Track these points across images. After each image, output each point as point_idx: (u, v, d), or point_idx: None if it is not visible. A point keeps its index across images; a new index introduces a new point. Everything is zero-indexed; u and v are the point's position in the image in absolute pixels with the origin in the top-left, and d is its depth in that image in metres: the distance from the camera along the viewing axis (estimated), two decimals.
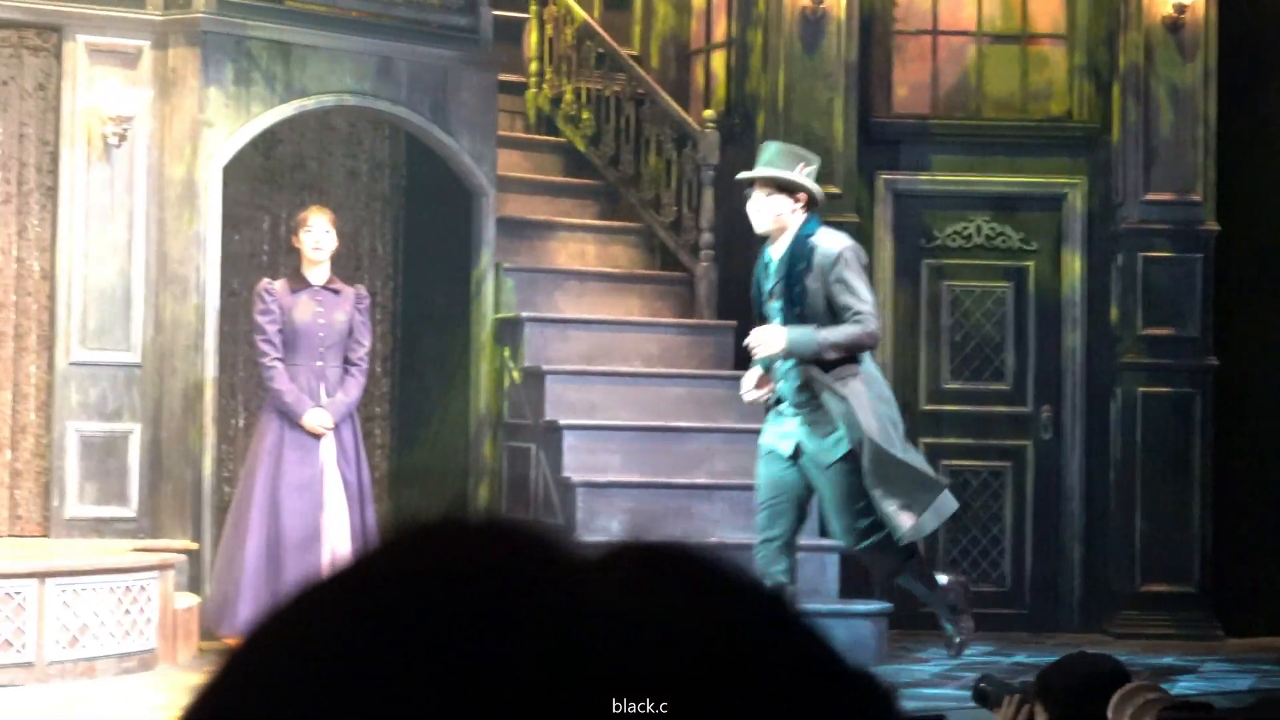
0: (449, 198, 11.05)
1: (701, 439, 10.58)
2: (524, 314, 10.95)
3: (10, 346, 10.16)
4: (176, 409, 10.18)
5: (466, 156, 10.86)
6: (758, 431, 8.40)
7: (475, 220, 10.99)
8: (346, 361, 9.79)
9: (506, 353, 10.91)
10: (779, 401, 8.13)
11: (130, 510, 10.17)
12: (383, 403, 11.25)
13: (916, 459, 8.30)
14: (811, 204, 8.16)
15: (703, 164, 11.19)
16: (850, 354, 8.06)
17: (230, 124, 10.19)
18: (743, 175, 8.30)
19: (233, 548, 9.58)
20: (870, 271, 8.80)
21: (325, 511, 9.58)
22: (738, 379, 8.67)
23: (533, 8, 12.40)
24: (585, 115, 12.04)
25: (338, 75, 10.47)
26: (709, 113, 11.36)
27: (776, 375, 8.12)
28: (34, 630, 8.49)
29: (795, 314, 8.05)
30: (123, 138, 10.05)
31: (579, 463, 10.38)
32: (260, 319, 9.65)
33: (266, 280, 9.88)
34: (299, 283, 9.74)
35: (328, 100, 10.48)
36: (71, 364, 10.13)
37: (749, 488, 8.66)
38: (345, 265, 10.50)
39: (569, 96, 12.16)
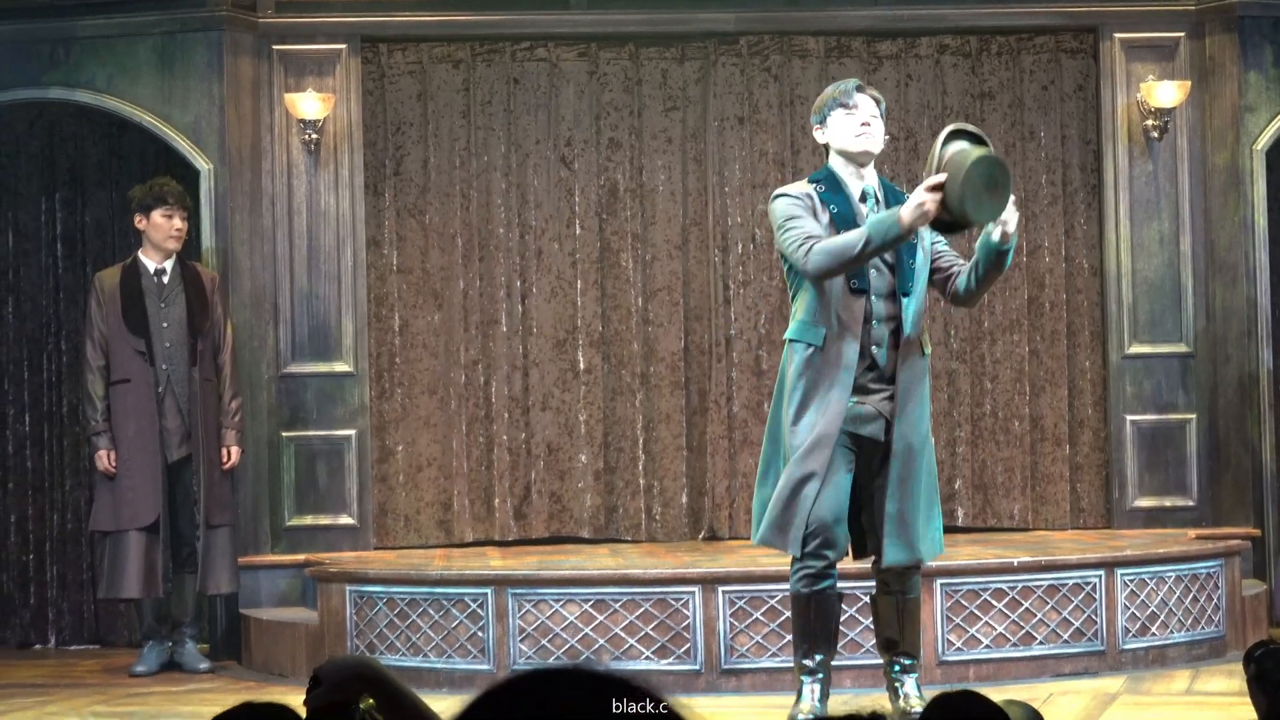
0: None
1: None
2: None
3: (1064, 343, 10.28)
4: (1232, 397, 10.07)
5: None
6: None
7: None
8: None
9: None
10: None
11: (1190, 499, 10.14)
12: None
13: None
14: None
15: None
16: None
17: (1272, 107, 10.01)
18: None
19: None
20: None
21: None
22: None
23: None
24: None
25: None
26: None
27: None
28: (1104, 619, 8.46)
29: (911, 266, 6.69)
30: (1164, 130, 10.04)
31: None
32: None
33: None
34: None
35: None
36: (1124, 357, 10.17)
37: None
38: None
39: None
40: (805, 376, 6.67)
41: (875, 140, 6.78)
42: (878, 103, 6.84)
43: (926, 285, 6.77)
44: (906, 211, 6.36)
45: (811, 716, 6.71)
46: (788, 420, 6.69)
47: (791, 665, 7.74)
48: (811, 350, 6.66)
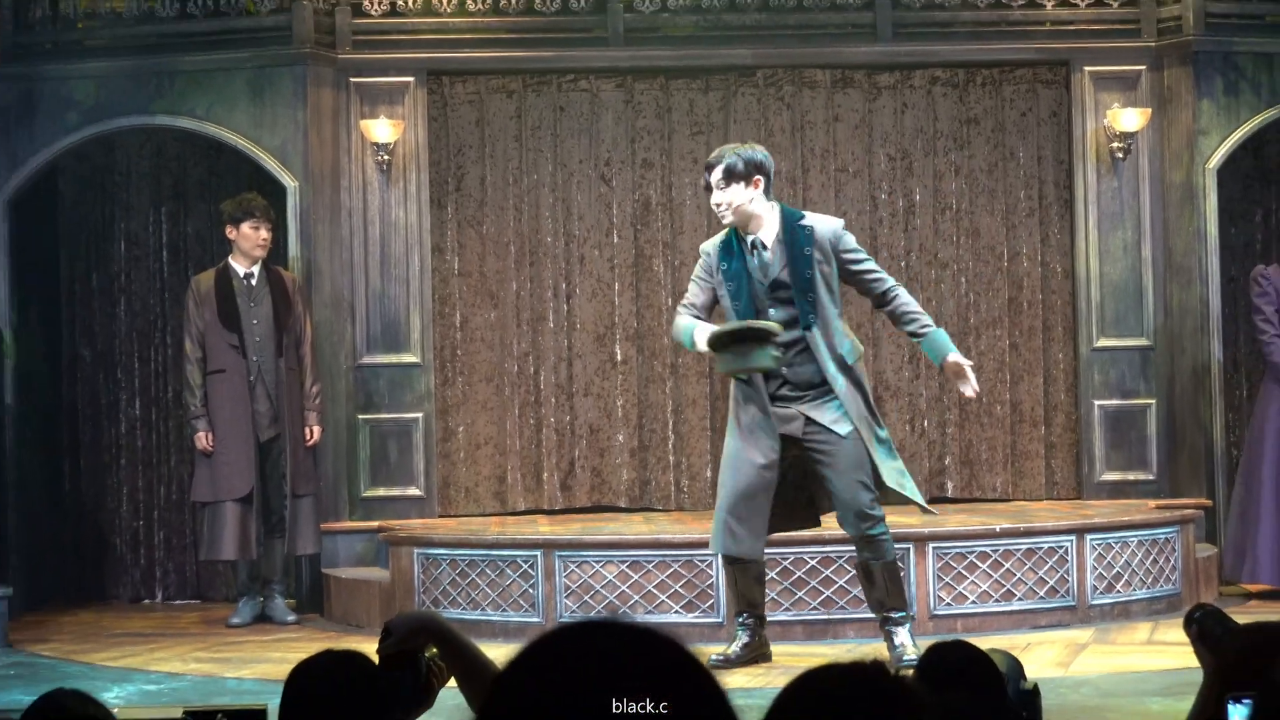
0: None
1: None
2: None
3: (1040, 337, 10.46)
4: (1187, 384, 10.17)
5: None
6: None
7: None
8: None
9: None
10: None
11: (1150, 474, 10.29)
12: None
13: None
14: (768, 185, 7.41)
15: None
16: None
17: (1221, 131, 10.11)
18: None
19: (1245, 503, 9.51)
20: None
21: None
22: None
23: None
24: None
25: None
26: None
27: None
28: (1075, 579, 8.73)
29: (809, 300, 7.29)
30: (1127, 151, 10.18)
31: None
32: (1257, 300, 9.61)
33: (1261, 266, 9.80)
34: None
35: None
36: (1093, 350, 10.31)
37: None
38: None
39: None
40: (738, 410, 7.43)
41: (729, 214, 7.33)
42: (721, 175, 7.33)
43: (837, 299, 7.37)
44: (700, 344, 7.17)
45: (720, 658, 7.47)
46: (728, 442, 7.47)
47: (799, 619, 8.34)
48: (739, 385, 7.47)
